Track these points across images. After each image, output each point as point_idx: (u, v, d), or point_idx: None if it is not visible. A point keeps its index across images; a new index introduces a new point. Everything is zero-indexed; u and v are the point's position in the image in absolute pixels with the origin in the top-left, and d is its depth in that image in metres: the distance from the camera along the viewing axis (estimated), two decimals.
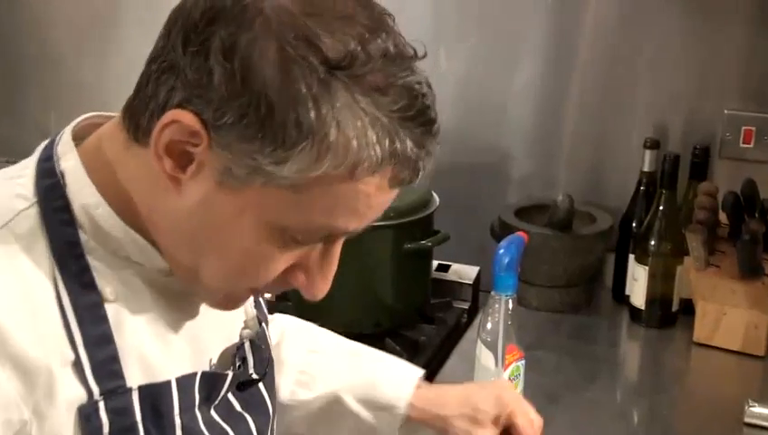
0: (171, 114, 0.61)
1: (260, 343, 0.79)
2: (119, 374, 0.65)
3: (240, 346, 0.77)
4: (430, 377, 1.41)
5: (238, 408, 0.75)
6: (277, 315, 1.00)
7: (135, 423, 0.65)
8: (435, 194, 1.56)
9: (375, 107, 0.60)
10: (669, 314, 1.56)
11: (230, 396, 0.74)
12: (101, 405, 0.63)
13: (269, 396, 0.79)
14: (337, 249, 0.69)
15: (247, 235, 0.64)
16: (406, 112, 0.61)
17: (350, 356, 0.98)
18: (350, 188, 0.62)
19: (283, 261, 0.66)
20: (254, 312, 0.81)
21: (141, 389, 0.66)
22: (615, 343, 1.60)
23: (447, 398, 0.93)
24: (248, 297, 0.73)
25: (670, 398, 1.39)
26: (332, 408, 0.93)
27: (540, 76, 1.70)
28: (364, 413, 0.92)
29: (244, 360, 0.76)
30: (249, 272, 0.67)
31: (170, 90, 0.61)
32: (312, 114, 0.59)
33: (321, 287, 0.69)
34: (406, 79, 0.62)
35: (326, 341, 1.00)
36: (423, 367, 1.43)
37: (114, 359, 0.64)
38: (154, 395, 0.66)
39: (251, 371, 0.77)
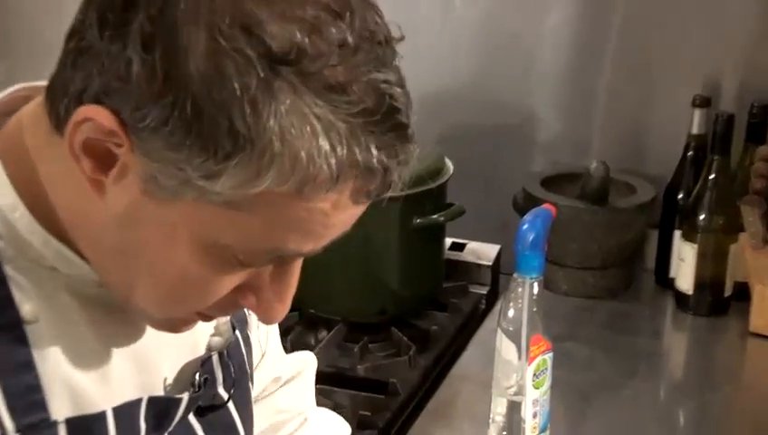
0: (84, 111, 0.58)
1: (229, 360, 0.76)
2: (41, 406, 0.63)
3: (205, 361, 0.74)
4: (443, 372, 1.42)
5: (200, 433, 0.73)
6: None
7: None
8: (448, 161, 1.55)
9: (330, 110, 0.56)
10: (721, 299, 1.56)
11: (191, 418, 0.73)
12: None
13: (240, 418, 0.78)
14: (295, 268, 0.66)
15: (181, 253, 0.61)
16: (371, 116, 0.57)
17: None
18: (302, 208, 0.59)
19: (226, 284, 0.64)
20: (227, 316, 0.77)
21: (70, 422, 0.64)
22: (658, 334, 1.59)
23: None
24: (195, 321, 0.70)
25: (722, 397, 1.39)
26: None
27: (572, 21, 1.68)
28: None
29: (207, 379, 0.74)
30: (186, 296, 0.65)
31: (87, 76, 0.58)
32: (250, 121, 0.55)
33: (277, 310, 0.66)
34: (370, 75, 0.58)
35: None
36: (435, 360, 1.46)
37: (35, 388, 0.62)
38: (85, 429, 0.64)
39: (220, 389, 0.75)
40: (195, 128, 0.56)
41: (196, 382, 0.73)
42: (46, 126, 0.63)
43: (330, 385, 1.30)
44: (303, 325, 1.50)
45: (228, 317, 0.78)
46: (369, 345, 1.46)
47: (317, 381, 1.17)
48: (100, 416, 0.65)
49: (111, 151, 0.59)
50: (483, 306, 1.62)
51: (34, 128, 0.64)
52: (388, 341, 1.48)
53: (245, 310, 0.79)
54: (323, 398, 1.29)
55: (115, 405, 0.66)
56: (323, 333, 1.48)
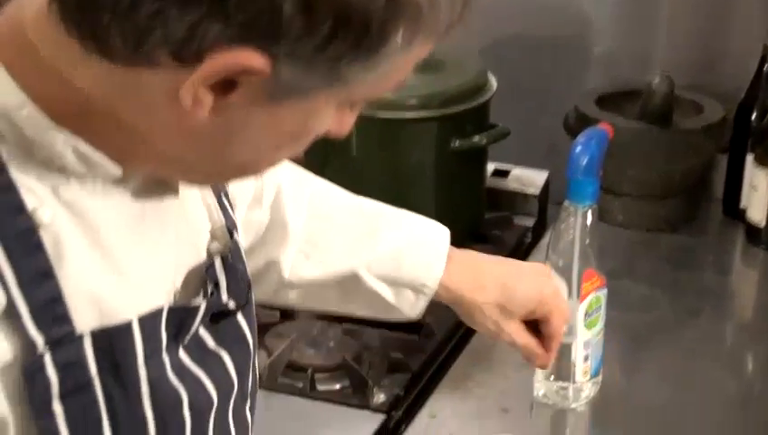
0: (234, 57, 0.60)
1: (234, 261, 0.81)
2: (65, 318, 0.65)
3: (210, 266, 0.78)
4: None
5: (211, 345, 0.77)
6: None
7: (90, 379, 0.66)
8: (491, 76, 1.56)
9: None
10: None
11: (201, 331, 0.76)
12: (48, 359, 0.64)
13: (249, 327, 0.82)
14: None
15: (311, 125, 0.68)
16: None
17: (364, 220, 1.03)
18: (419, 54, 0.66)
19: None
20: (221, 219, 0.82)
21: (95, 335, 0.67)
22: (725, 271, 1.61)
23: (484, 281, 1.02)
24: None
25: None
26: (346, 285, 1.00)
27: None
28: (385, 292, 0.99)
29: (216, 284, 0.78)
30: (283, 158, 0.72)
31: (195, 26, 0.59)
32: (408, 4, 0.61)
33: (349, 125, 0.74)
34: None
35: (333, 199, 1.05)
36: None
37: (57, 299, 0.65)
38: (112, 341, 0.67)
39: (224, 297, 0.78)
40: (355, 38, 0.60)
41: (208, 289, 0.77)
42: (77, 48, 0.63)
43: (358, 325, 1.32)
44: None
45: (223, 221, 0.82)
46: None
47: (342, 322, 1.20)
48: (127, 327, 0.69)
49: (235, 81, 0.62)
50: (528, 240, 1.63)
51: (47, 34, 0.65)
52: None
53: (232, 214, 0.85)
54: (350, 338, 1.32)
55: (139, 311, 0.70)
56: None
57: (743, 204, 1.62)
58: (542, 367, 1.05)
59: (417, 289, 0.99)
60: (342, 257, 1.00)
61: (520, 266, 1.06)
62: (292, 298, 1.01)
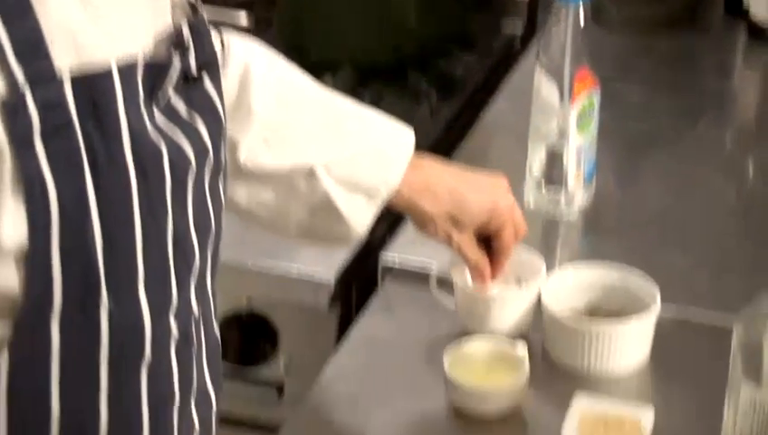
0: None
1: (200, 29, 0.83)
2: (45, 54, 0.69)
3: (178, 31, 0.80)
4: (470, 123, 1.44)
5: (184, 113, 0.80)
6: (234, 39, 1.02)
7: (70, 120, 0.70)
8: None
9: None
10: None
11: (173, 99, 0.79)
12: (28, 96, 0.68)
13: (218, 97, 0.84)
14: None
15: None
16: None
17: (331, 116, 1.03)
18: None
19: None
20: None
21: (75, 79, 0.70)
22: (727, 72, 1.60)
23: (439, 191, 1.03)
24: None
25: None
26: (298, 183, 1.00)
27: None
28: (338, 195, 1.00)
29: (184, 48, 0.80)
30: None
31: None
32: None
33: None
34: None
35: (302, 88, 1.05)
36: (460, 109, 1.47)
37: (38, 34, 0.68)
38: (91, 85, 0.71)
39: (192, 61, 0.81)
40: None
41: (184, 46, 0.80)
42: None
43: None
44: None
45: None
46: (383, 92, 1.47)
47: None
48: (107, 73, 0.72)
49: None
50: (517, 45, 1.62)
51: None
52: (405, 86, 1.49)
53: None
54: None
55: (116, 55, 0.72)
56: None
57: (746, 0, 1.59)
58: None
59: (370, 195, 1.01)
60: (303, 150, 1.00)
61: (476, 177, 1.06)
62: (238, 196, 1.00)
